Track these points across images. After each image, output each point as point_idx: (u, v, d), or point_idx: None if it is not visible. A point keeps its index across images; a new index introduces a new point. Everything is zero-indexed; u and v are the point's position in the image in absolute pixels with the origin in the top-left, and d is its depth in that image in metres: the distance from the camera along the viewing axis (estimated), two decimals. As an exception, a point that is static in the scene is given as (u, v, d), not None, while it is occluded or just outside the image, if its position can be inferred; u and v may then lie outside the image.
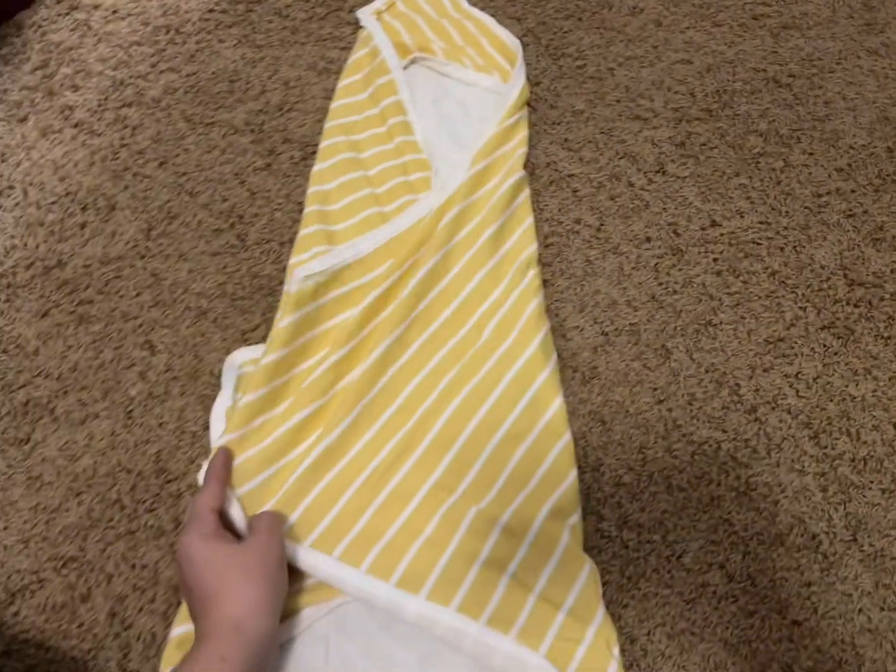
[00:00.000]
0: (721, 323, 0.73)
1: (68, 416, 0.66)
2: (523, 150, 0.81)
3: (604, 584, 0.60)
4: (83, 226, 0.76)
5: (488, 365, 0.68)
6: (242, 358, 0.67)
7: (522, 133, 0.82)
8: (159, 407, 0.67)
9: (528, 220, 0.77)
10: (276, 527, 0.55)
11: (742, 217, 0.80)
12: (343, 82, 0.85)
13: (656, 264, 0.77)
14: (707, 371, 0.71)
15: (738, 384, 0.70)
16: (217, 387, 0.67)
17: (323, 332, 0.69)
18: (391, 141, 0.82)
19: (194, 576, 0.50)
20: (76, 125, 0.81)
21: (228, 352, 0.68)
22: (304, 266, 0.69)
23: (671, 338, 0.73)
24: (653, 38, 0.93)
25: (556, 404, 0.66)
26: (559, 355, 0.71)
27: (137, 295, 0.72)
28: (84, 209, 0.77)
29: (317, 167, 0.79)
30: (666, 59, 0.91)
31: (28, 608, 0.58)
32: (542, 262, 0.76)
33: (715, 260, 0.77)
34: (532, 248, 0.75)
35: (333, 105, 0.84)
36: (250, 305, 0.72)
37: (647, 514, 0.64)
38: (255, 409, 0.62)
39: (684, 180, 0.82)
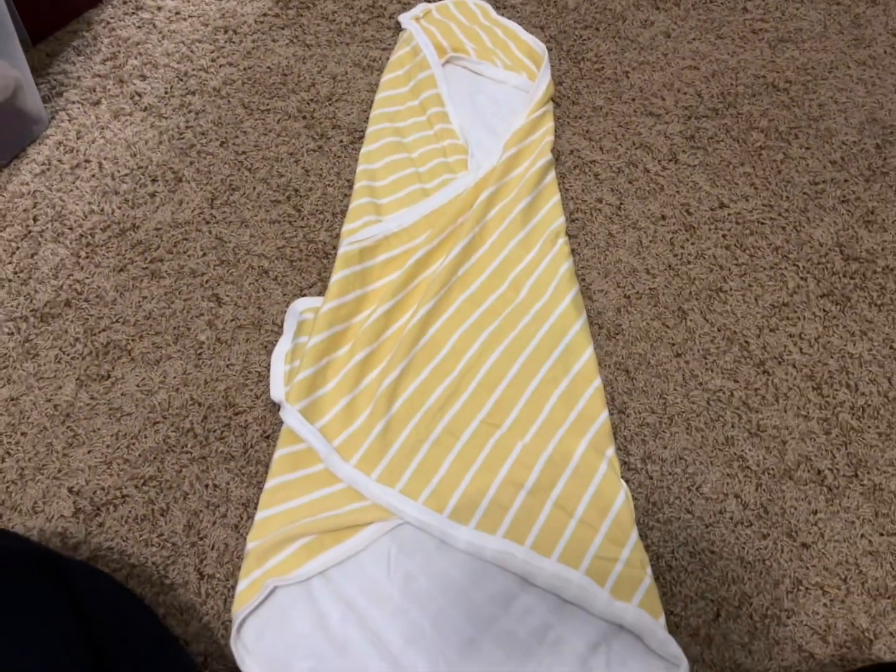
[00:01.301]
0: (731, 290, 0.81)
1: (144, 357, 0.73)
2: (550, 138, 0.89)
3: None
4: (153, 195, 0.83)
5: (526, 319, 0.75)
6: (304, 306, 0.74)
7: (549, 124, 0.91)
8: (227, 351, 0.74)
9: (556, 198, 0.85)
10: None
11: (747, 200, 0.89)
12: (386, 77, 0.94)
13: (671, 238, 0.85)
14: (719, 330, 0.78)
15: (747, 342, 0.78)
16: (279, 335, 0.74)
17: (373, 291, 0.76)
18: (431, 128, 0.90)
19: None
20: (145, 109, 0.90)
21: (289, 305, 0.76)
22: (356, 234, 0.78)
23: (686, 301, 0.80)
24: (662, 46, 1.03)
25: (588, 354, 0.74)
26: (587, 314, 0.78)
27: (204, 255, 0.80)
28: (154, 181, 0.84)
29: (365, 149, 0.87)
30: (675, 65, 1.01)
31: (112, 519, 0.64)
32: (569, 235, 0.84)
33: (724, 236, 0.86)
34: (560, 221, 0.83)
35: (378, 96, 0.92)
36: (307, 266, 0.80)
37: (669, 451, 0.71)
38: (321, 351, 0.70)
39: (694, 168, 0.91)
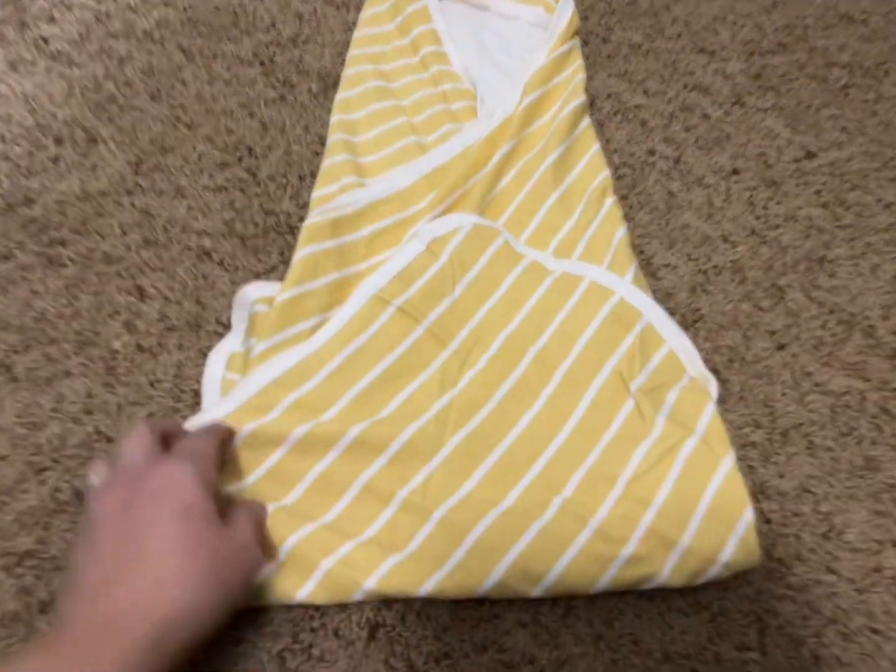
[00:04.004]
0: (838, 259, 0.60)
1: (31, 375, 0.50)
2: (581, 76, 0.69)
3: (748, 571, 0.45)
4: (56, 160, 0.62)
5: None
6: (258, 293, 0.52)
7: (577, 61, 0.71)
8: (151, 363, 0.52)
9: (595, 146, 0.65)
10: (262, 526, 0.42)
11: (840, 148, 0.68)
12: (367, 12, 0.74)
13: (750, 197, 0.64)
14: (831, 312, 0.57)
15: (871, 326, 0.57)
16: (224, 336, 0.53)
17: (357, 274, 0.54)
18: (426, 70, 0.70)
19: (145, 522, 0.34)
20: (53, 57, 0.68)
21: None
22: (330, 201, 0.57)
23: (781, 275, 0.59)
24: (707, -23, 0.83)
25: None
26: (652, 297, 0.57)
27: (123, 235, 0.58)
28: (58, 142, 0.63)
29: (341, 95, 0.67)
30: (725, -4, 0.81)
31: (-35, 623, 0.42)
32: (618, 195, 0.63)
33: (818, 192, 0.65)
34: (604, 175, 0.62)
35: (357, 35, 0.72)
36: (264, 245, 0.58)
37: (788, 481, 0.50)
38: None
39: (766, 112, 0.71)
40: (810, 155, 0.67)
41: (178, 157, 0.63)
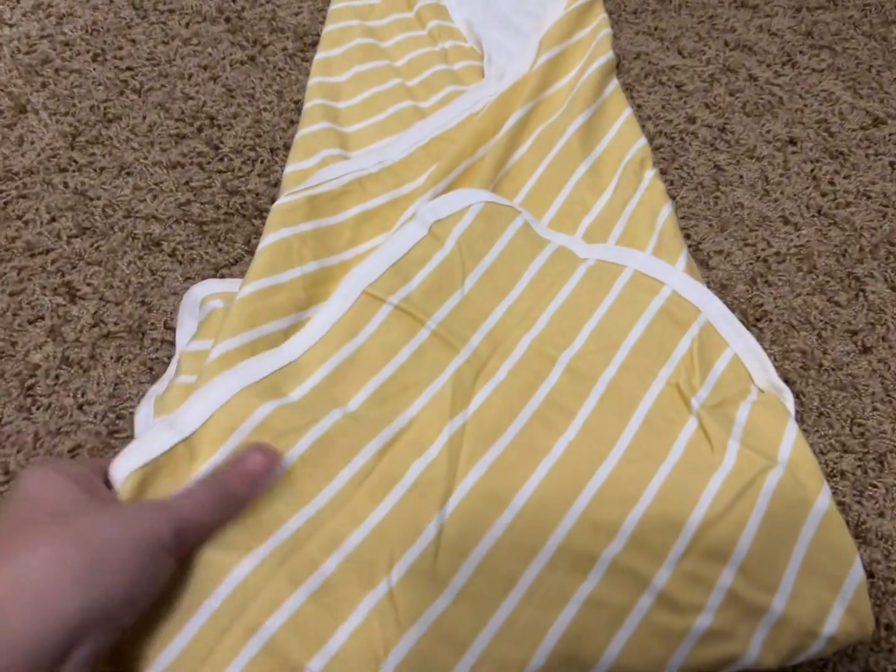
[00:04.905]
0: (923, 242, 0.50)
1: (-77, 398, 0.39)
2: (607, 30, 0.58)
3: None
4: (-25, 132, 0.51)
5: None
6: (207, 290, 0.41)
7: (601, 14, 0.60)
8: (80, 379, 0.41)
9: (626, 112, 0.54)
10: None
11: (911, 114, 0.58)
12: None
13: (812, 171, 0.54)
14: (923, 306, 0.47)
15: (974, 323, 0.46)
16: (175, 348, 0.42)
17: (342, 264, 0.44)
18: (423, 27, 0.59)
19: None
20: (-24, 13, 0.57)
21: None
22: (308, 178, 0.46)
23: (859, 263, 0.49)
24: (741, -73, 0.73)
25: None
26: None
27: (52, 220, 0.47)
28: (-22, 111, 0.52)
29: (321, 55, 0.56)
30: (763, -53, 0.71)
31: None
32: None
33: (892, 164, 0.54)
34: (640, 144, 0.52)
35: None
36: (227, 231, 0.47)
37: (891, 521, 0.39)
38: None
39: (822, 73, 0.60)
40: (878, 122, 0.57)
41: (123, 127, 0.52)
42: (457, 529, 0.33)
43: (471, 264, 0.42)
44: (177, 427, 0.32)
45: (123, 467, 0.30)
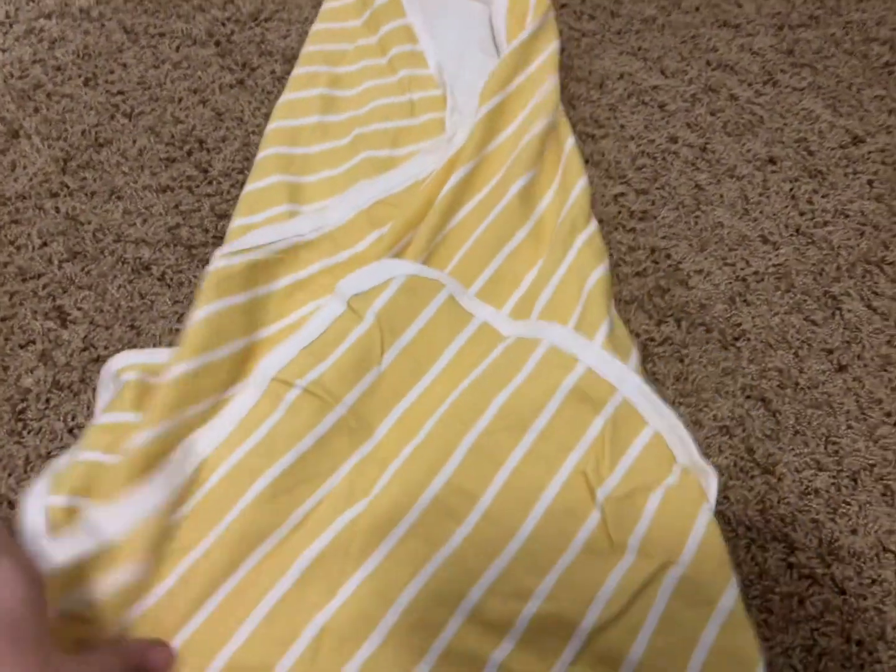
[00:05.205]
0: (899, 261, 0.51)
1: (-83, 423, 0.40)
2: (551, 59, 0.56)
3: (827, 658, 0.35)
4: (-32, 157, 0.52)
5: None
6: (126, 361, 0.40)
7: (551, 45, 0.57)
8: (70, 403, 0.42)
9: (570, 141, 0.52)
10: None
11: (890, 133, 0.59)
12: (330, 4, 0.63)
13: (791, 190, 0.55)
14: (898, 324, 0.48)
15: (948, 341, 0.47)
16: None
17: (267, 339, 0.43)
18: (394, 74, 0.58)
19: None
20: (-30, 38, 0.59)
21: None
22: (250, 234, 0.45)
23: (835, 282, 0.50)
24: (724, -55, 0.74)
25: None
26: (681, 308, 0.47)
27: (43, 245, 0.48)
28: (-29, 137, 0.53)
29: (285, 97, 0.55)
30: (746, -34, 0.72)
31: None
32: (637, 189, 0.53)
33: (870, 183, 0.55)
34: (573, 200, 0.49)
35: (316, 27, 0.61)
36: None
37: (863, 538, 0.40)
38: (150, 458, 0.35)
39: (803, 92, 0.61)
40: (857, 140, 0.58)
41: (114, 152, 0.53)
42: (337, 636, 0.33)
43: (390, 340, 0.41)
44: (96, 535, 0.32)
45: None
